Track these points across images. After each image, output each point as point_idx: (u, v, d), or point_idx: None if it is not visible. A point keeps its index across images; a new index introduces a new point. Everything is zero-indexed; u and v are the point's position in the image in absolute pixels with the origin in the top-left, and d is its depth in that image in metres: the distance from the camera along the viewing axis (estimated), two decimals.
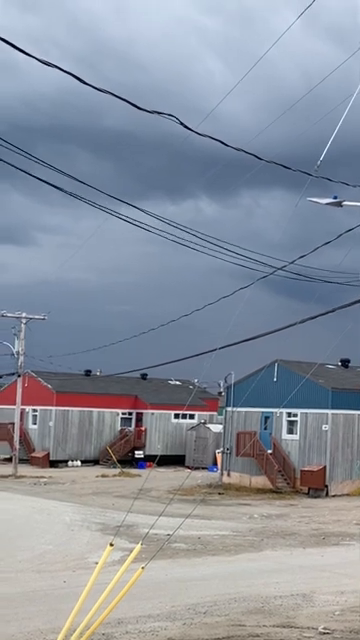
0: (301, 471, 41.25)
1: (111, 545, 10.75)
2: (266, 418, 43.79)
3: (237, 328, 15.87)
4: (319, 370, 39.45)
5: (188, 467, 54.22)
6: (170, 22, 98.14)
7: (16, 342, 51.20)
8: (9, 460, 53.23)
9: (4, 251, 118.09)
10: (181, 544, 23.06)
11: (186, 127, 11.01)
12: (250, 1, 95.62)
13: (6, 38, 8.52)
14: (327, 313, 16.76)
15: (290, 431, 43.10)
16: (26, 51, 8.86)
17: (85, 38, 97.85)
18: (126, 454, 57.92)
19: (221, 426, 49.93)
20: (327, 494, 40.03)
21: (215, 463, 51.86)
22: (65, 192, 12.91)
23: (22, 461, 53.18)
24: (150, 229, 15.53)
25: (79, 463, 57.57)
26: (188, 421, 60.18)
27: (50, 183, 12.44)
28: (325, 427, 41.03)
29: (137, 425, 60.55)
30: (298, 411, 42.07)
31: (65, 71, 9.20)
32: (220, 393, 56.66)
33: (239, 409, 44.11)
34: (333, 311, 16.69)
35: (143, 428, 59.93)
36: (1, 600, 15.51)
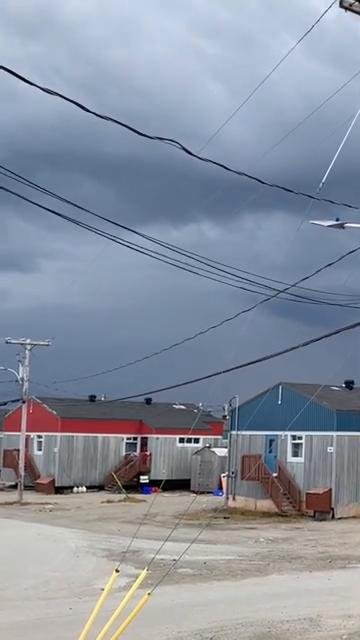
0: (306, 494, 41.04)
1: (117, 571, 10.72)
2: (271, 441, 43.63)
3: (241, 350, 15.90)
4: (323, 392, 39.35)
5: (193, 491, 53.98)
6: (170, 47, 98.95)
7: (20, 368, 51.27)
8: (14, 487, 53.08)
9: (7, 278, 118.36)
10: (187, 569, 22.93)
11: (188, 152, 11.09)
12: (249, 25, 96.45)
13: (8, 66, 8.63)
14: (331, 335, 16.77)
15: (295, 454, 42.95)
16: (28, 80, 8.96)
17: (86, 64, 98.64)
18: (131, 479, 57.71)
19: (226, 450, 49.77)
20: (333, 517, 39.81)
21: (220, 487, 51.64)
22: (66, 218, 13.00)
23: (27, 488, 53.02)
24: (152, 254, 15.62)
25: (84, 489, 57.34)
26: (193, 445, 60.01)
27: (51, 210, 12.53)
28: (330, 449, 40.89)
29: (142, 450, 60.36)
30: (303, 434, 41.95)
31: (67, 99, 9.30)
32: (225, 417, 56.53)
33: (244, 432, 43.99)
34: (337, 332, 16.71)
35: (148, 453, 59.74)
36: (7, 629, 15.41)
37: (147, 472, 58.83)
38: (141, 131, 10.33)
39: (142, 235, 14.88)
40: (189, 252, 16.37)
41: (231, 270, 17.36)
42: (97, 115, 9.80)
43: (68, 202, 12.55)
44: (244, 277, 17.71)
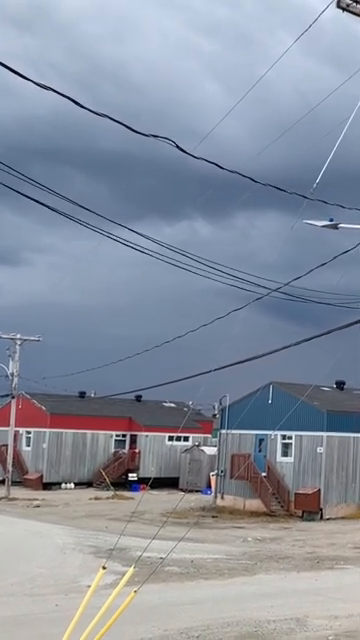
0: (295, 494, 41.06)
1: (104, 568, 10.66)
2: (260, 440, 43.65)
3: (232, 348, 15.86)
4: (314, 392, 39.36)
5: (182, 490, 53.92)
6: (167, 44, 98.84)
7: (10, 363, 51.14)
8: (2, 482, 52.99)
9: None
10: (174, 567, 22.90)
11: (182, 150, 11.05)
12: (246, 23, 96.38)
13: (3, 60, 8.57)
14: (323, 334, 16.75)
15: (285, 454, 42.95)
16: (23, 74, 8.90)
17: (82, 60, 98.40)
18: (120, 476, 57.61)
19: (215, 448, 49.76)
20: (321, 517, 39.83)
21: (209, 486, 51.63)
22: (59, 213, 12.94)
23: (15, 483, 52.89)
24: (145, 251, 15.58)
25: (72, 485, 57.23)
26: (182, 443, 59.95)
27: (44, 204, 12.47)
28: (320, 450, 40.90)
29: (131, 447, 60.32)
30: (293, 433, 41.95)
31: (61, 94, 9.24)
32: (214, 415, 56.52)
33: (233, 431, 43.96)
34: (329, 332, 16.68)
35: (137, 450, 59.69)
36: None
37: (136, 470, 58.77)
38: (135, 127, 10.29)
39: (136, 232, 14.85)
40: (182, 250, 16.34)
41: (223, 268, 17.35)
42: (92, 111, 9.74)
43: (62, 197, 12.50)
44: (236, 275, 17.69)
